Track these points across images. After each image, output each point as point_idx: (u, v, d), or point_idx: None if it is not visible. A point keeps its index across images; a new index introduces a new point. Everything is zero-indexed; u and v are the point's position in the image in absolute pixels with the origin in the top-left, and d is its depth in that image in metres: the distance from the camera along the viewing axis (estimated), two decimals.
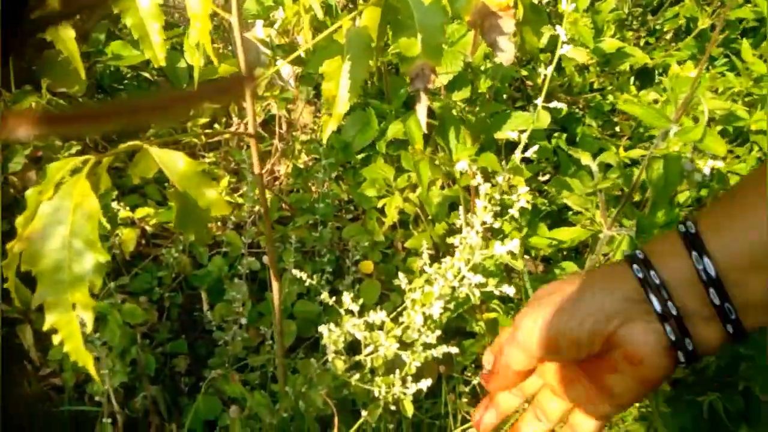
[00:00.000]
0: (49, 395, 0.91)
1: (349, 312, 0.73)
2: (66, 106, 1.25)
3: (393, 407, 0.74)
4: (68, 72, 1.26)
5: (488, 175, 0.89)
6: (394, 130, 0.94)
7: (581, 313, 0.40)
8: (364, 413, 0.71)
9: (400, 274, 0.74)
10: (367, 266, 1.09)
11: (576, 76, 1.39)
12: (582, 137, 1.21)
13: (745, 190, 0.39)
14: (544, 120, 0.98)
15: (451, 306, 0.77)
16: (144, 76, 1.54)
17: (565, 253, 1.13)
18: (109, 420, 0.77)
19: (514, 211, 0.74)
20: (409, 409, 0.74)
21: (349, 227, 1.16)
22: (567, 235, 0.86)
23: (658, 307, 0.39)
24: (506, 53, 0.55)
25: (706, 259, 0.37)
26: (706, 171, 0.69)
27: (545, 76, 0.85)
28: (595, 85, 1.43)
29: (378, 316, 0.71)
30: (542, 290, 0.44)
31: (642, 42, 1.55)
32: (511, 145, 1.30)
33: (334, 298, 0.75)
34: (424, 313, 0.70)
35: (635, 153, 0.86)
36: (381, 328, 0.73)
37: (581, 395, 0.44)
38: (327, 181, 1.18)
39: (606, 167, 0.76)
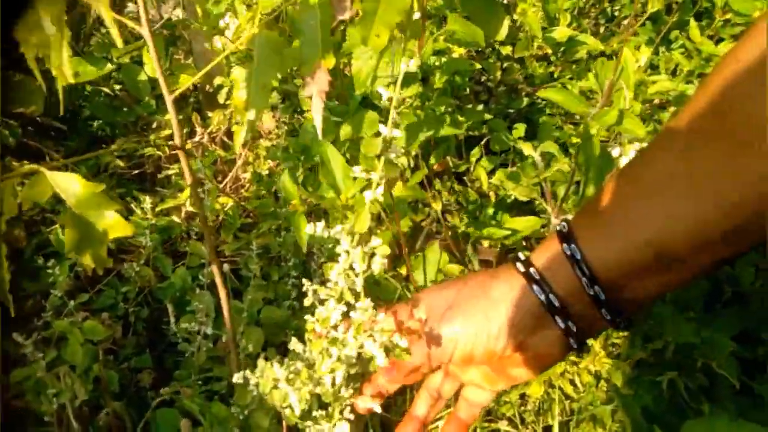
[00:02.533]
0: (13, 420, 0.90)
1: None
2: None
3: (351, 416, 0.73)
4: (28, 91, 1.25)
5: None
6: (346, 131, 0.94)
7: (494, 330, 0.43)
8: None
9: (294, 339, 0.65)
10: (331, 268, 1.08)
11: (537, 68, 1.40)
12: (542, 127, 1.22)
13: (614, 204, 0.41)
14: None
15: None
16: (105, 91, 1.53)
17: (524, 243, 1.13)
18: None
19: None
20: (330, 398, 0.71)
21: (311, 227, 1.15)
22: (521, 224, 0.86)
23: (561, 324, 0.43)
24: None
25: (596, 288, 0.41)
26: (632, 154, 0.69)
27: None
28: (556, 75, 1.43)
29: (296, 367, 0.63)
30: (447, 292, 0.45)
31: (601, 29, 1.56)
32: (474, 138, 1.31)
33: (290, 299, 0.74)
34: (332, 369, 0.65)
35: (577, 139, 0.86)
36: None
37: (476, 377, 0.48)
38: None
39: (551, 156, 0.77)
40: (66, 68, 0.47)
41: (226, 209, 1.19)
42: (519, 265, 0.44)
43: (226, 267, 1.01)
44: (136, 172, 1.46)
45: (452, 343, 0.44)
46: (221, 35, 1.24)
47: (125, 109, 1.51)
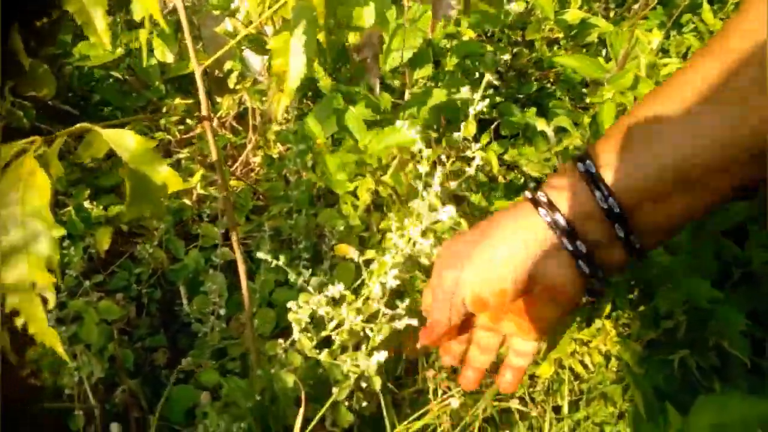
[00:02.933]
0: (29, 396, 0.91)
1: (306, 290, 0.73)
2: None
3: (364, 384, 0.75)
4: (37, 75, 1.25)
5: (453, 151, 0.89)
6: (354, 115, 0.94)
7: (503, 268, 0.43)
8: (334, 392, 0.71)
9: (350, 248, 0.74)
10: (343, 249, 1.09)
11: (546, 51, 1.39)
12: (552, 110, 1.22)
13: (637, 125, 0.41)
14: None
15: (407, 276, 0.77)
16: (115, 76, 1.54)
17: None
18: (81, 413, 0.77)
19: (470, 170, 0.74)
20: (377, 382, 0.74)
21: (323, 212, 1.16)
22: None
23: (569, 246, 0.42)
24: None
25: (611, 200, 0.40)
26: None
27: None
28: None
29: (336, 288, 0.71)
30: (455, 243, 0.46)
31: (611, 14, 1.55)
32: (485, 121, 1.31)
33: (301, 278, 0.75)
34: (382, 284, 0.70)
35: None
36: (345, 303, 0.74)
37: (512, 328, 0.49)
38: (299, 168, 1.19)
39: (562, 132, 0.77)
40: (104, 35, 0.48)
41: (237, 192, 1.19)
42: (527, 193, 0.44)
43: (238, 248, 1.02)
44: None
45: (460, 290, 0.45)
46: (232, 17, 1.24)
47: (135, 93, 1.51)
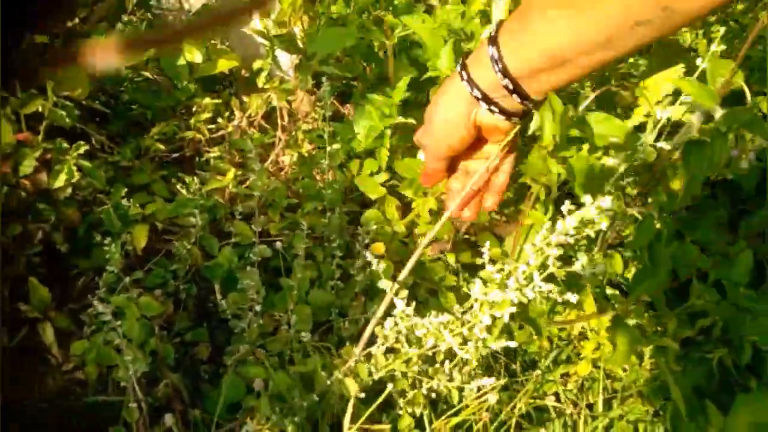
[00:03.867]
0: (72, 389, 0.93)
1: (405, 315, 0.75)
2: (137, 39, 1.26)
3: (434, 395, 0.76)
4: (72, 76, 1.27)
5: None
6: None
7: (456, 122, 0.63)
8: (396, 396, 0.73)
9: (477, 281, 0.76)
10: (378, 248, 1.10)
11: None
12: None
13: (529, 16, 0.55)
14: None
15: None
16: (145, 75, 1.56)
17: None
18: (135, 405, 0.79)
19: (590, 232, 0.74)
20: (456, 397, 0.76)
21: (367, 212, 1.17)
22: None
23: (485, 107, 0.61)
24: None
25: (506, 80, 0.57)
26: (752, 157, 0.69)
27: None
28: None
29: (442, 318, 0.73)
30: (426, 114, 0.66)
31: None
32: None
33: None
34: (493, 316, 0.71)
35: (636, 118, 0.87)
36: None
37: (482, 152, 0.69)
38: (332, 168, 1.20)
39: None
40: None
41: (271, 189, 1.21)
42: (458, 66, 0.61)
43: (278, 245, 1.03)
44: (176, 155, 1.48)
45: (437, 145, 0.65)
46: (263, 18, 1.25)
47: (164, 93, 1.53)
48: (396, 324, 0.73)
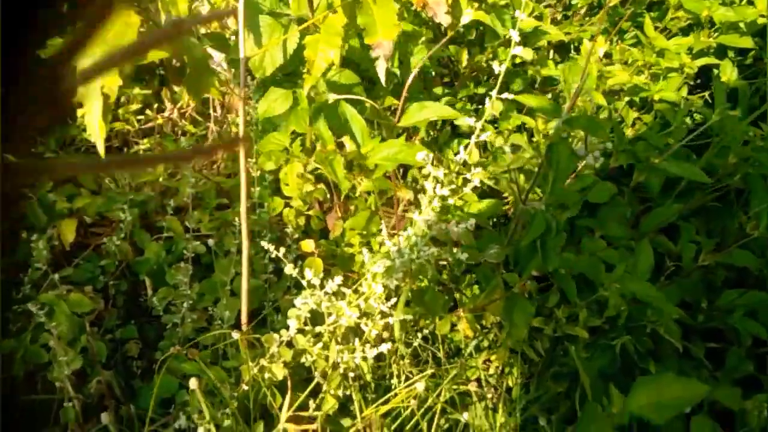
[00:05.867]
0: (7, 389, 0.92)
1: (311, 285, 0.77)
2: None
3: (352, 374, 0.80)
4: None
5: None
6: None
7: None
8: (320, 379, 0.76)
9: (364, 250, 0.79)
10: (307, 245, 1.13)
11: (501, 52, 1.46)
12: (504, 114, 1.29)
13: None
14: (497, 108, 1.03)
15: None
16: None
17: (494, 220, 1.21)
18: (70, 404, 0.79)
19: (467, 190, 0.80)
20: (368, 373, 0.80)
21: (286, 210, 1.19)
22: (484, 207, 0.94)
23: None
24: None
25: None
26: (597, 154, 0.77)
27: (500, 71, 0.88)
28: (517, 60, 1.50)
29: (335, 282, 0.76)
30: None
31: (559, 17, 1.64)
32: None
33: (296, 270, 0.79)
34: (385, 285, 0.75)
35: (541, 125, 0.94)
36: (339, 299, 0.78)
37: None
38: (261, 167, 1.21)
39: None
40: None
41: (201, 188, 1.21)
42: None
43: (210, 242, 1.05)
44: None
45: None
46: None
47: None
48: (306, 302, 0.76)
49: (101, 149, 0.58)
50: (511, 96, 0.81)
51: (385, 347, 0.78)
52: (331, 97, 0.86)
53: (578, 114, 0.74)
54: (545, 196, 0.79)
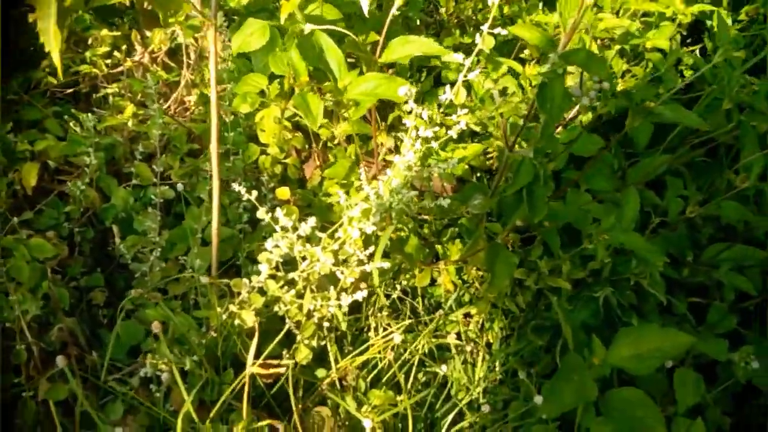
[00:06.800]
0: None
1: (284, 228, 0.73)
2: None
3: (327, 323, 0.77)
4: None
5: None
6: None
7: None
8: (293, 328, 0.73)
9: (339, 191, 0.75)
10: (283, 193, 1.09)
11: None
12: (491, 61, 1.24)
13: None
14: (489, 43, 0.97)
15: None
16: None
17: (478, 174, 1.17)
18: (23, 346, 0.75)
19: (452, 133, 0.76)
20: (343, 322, 0.76)
21: (262, 157, 1.15)
22: (467, 152, 0.90)
23: None
24: None
25: None
26: (592, 95, 0.73)
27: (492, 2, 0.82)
28: (505, 11, 1.45)
29: (309, 225, 0.71)
30: None
31: None
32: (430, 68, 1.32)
33: (269, 215, 0.75)
34: (361, 230, 0.71)
35: (531, 71, 0.89)
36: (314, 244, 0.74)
37: None
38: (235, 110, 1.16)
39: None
40: None
41: (172, 133, 1.15)
42: None
43: (180, 187, 1.00)
44: (70, 91, 1.38)
45: None
46: None
47: None
48: (277, 245, 0.72)
49: (57, 60, 0.52)
50: (504, 31, 0.76)
51: (360, 295, 0.75)
52: (308, 27, 0.81)
53: (576, 48, 0.70)
54: (535, 140, 0.75)
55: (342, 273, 0.75)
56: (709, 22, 1.25)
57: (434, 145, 0.77)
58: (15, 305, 0.75)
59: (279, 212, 0.73)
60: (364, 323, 0.97)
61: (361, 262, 0.76)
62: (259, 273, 0.78)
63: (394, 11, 0.83)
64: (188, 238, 0.99)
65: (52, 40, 0.50)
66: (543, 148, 0.81)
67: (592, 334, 0.80)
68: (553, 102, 0.70)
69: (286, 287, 0.76)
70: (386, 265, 0.78)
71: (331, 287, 0.76)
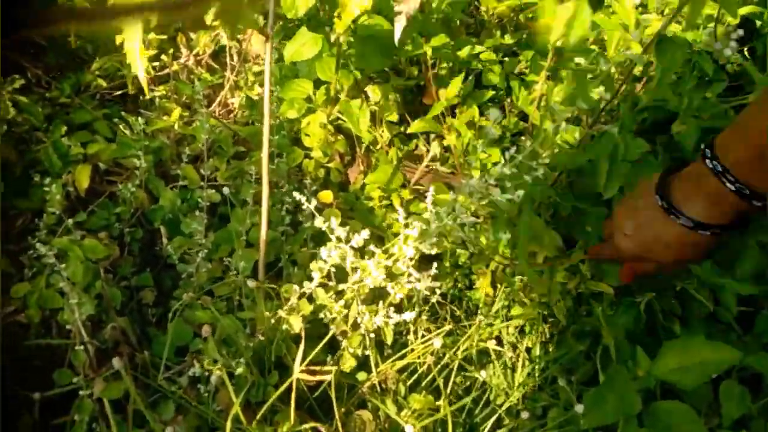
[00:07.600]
0: (14, 331, 0.92)
1: (339, 239, 0.74)
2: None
3: (372, 335, 0.78)
4: None
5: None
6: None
7: (655, 245, 0.74)
8: (338, 336, 0.74)
9: (399, 210, 0.76)
10: (327, 196, 1.10)
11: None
12: (533, 60, 1.24)
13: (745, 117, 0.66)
14: None
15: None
16: (83, 5, 1.47)
17: None
18: (82, 348, 0.79)
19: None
20: (389, 336, 0.78)
21: (305, 161, 1.16)
22: None
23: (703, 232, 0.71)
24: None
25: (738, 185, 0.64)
26: (734, 45, 0.70)
27: None
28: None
29: (362, 236, 0.73)
30: (632, 200, 0.77)
31: None
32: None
33: (325, 224, 0.76)
34: (417, 248, 0.72)
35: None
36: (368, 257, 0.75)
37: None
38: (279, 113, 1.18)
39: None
40: None
41: (217, 136, 1.18)
42: (662, 203, 0.71)
43: (226, 190, 1.02)
44: (118, 93, 1.42)
45: (631, 242, 0.76)
46: None
47: None
48: (330, 254, 0.74)
49: (144, 81, 0.56)
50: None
51: (409, 315, 0.77)
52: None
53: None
54: (647, 95, 0.77)
55: (393, 288, 0.76)
56: (758, 22, 1.21)
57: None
58: (74, 306, 0.78)
59: (334, 222, 0.75)
60: (403, 327, 0.98)
61: (412, 280, 0.77)
62: (302, 277, 0.79)
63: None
64: (233, 240, 1.01)
65: (137, 60, 0.53)
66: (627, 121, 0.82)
67: (637, 345, 0.79)
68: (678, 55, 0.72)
69: (334, 296, 0.77)
70: (437, 284, 0.80)
71: (380, 301, 0.77)
